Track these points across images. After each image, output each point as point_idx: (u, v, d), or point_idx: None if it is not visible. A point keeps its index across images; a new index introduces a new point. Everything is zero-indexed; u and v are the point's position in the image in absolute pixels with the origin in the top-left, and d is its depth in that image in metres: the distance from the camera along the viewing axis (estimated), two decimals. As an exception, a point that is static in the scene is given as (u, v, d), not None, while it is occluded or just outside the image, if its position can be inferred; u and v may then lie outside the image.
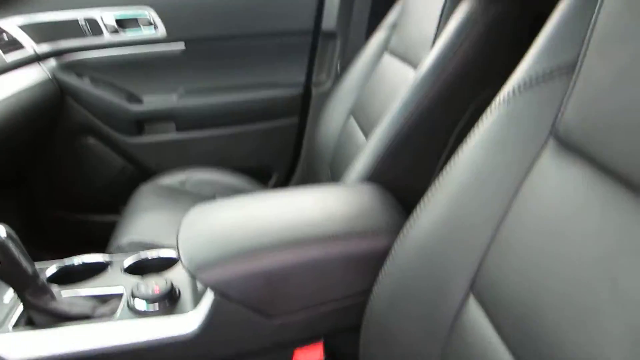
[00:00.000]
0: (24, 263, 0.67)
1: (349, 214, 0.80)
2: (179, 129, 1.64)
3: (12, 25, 1.50)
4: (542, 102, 0.53)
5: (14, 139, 1.38)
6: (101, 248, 1.20)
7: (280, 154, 1.72)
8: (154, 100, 1.64)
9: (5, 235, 0.65)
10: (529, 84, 0.55)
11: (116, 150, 1.65)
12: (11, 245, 0.65)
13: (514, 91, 0.56)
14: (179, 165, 1.53)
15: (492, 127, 0.57)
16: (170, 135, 1.65)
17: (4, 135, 1.28)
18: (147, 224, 1.21)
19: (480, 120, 0.59)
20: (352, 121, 1.25)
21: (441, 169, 0.94)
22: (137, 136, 1.63)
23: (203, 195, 1.37)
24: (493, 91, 0.94)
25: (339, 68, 1.61)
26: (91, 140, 1.64)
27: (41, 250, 1.57)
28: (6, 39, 1.46)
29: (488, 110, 0.59)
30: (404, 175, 0.97)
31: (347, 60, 1.50)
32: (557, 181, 0.48)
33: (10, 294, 0.77)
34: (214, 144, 1.66)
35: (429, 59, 0.95)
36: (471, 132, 0.60)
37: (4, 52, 1.41)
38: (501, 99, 0.57)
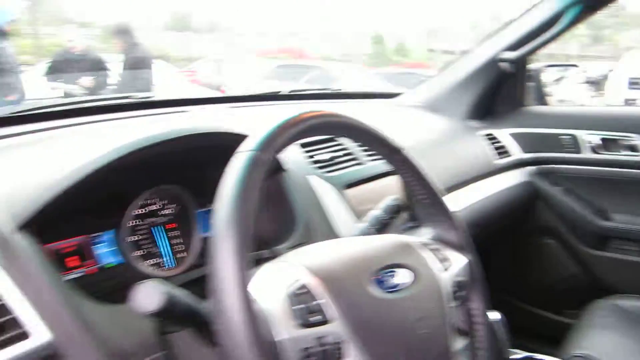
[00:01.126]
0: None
1: None
2: None
3: (506, 134, 1.76)
4: None
5: (490, 228, 1.61)
6: (541, 342, 1.25)
7: None
8: (625, 220, 1.65)
9: (499, 319, 0.81)
10: None
11: (573, 257, 1.72)
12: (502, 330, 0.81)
13: None
14: None
15: None
16: (635, 257, 1.61)
17: (485, 224, 1.50)
18: (604, 345, 1.23)
19: None
20: None
21: None
22: (599, 250, 1.67)
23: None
24: None
25: None
26: (550, 242, 1.76)
27: None
28: (499, 145, 1.73)
29: None
30: None
31: None
32: None
33: None
34: None
35: None
36: None
37: (499, 156, 1.68)
38: None
